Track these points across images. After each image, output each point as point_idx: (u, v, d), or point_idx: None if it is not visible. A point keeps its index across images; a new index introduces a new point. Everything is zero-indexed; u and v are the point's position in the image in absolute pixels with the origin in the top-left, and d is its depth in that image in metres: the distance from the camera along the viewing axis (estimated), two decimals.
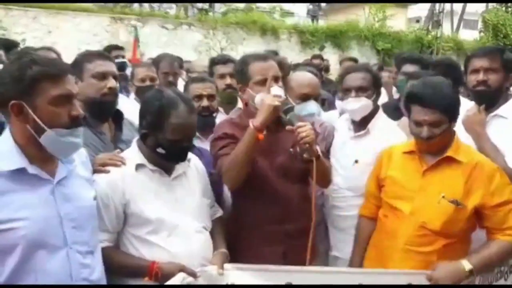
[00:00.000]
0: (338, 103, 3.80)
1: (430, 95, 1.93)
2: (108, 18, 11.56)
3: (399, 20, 16.95)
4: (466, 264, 1.89)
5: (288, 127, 2.02)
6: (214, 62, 3.21)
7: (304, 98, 2.53)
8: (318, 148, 2.07)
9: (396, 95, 3.88)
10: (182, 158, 1.93)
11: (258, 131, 1.96)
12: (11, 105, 1.43)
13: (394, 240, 2.03)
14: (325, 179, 2.22)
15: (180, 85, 3.48)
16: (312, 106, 2.53)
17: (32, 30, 10.55)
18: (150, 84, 3.33)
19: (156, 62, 3.78)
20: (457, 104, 2.01)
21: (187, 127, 1.86)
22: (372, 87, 2.51)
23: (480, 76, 2.31)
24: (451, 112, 1.98)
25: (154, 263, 1.76)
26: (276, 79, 2.14)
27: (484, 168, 1.98)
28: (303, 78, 2.67)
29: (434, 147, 2.02)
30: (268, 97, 2.02)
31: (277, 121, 2.14)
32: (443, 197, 1.96)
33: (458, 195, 1.96)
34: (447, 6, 17.58)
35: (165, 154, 1.86)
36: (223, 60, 3.17)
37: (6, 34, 9.49)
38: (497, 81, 2.30)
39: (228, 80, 2.98)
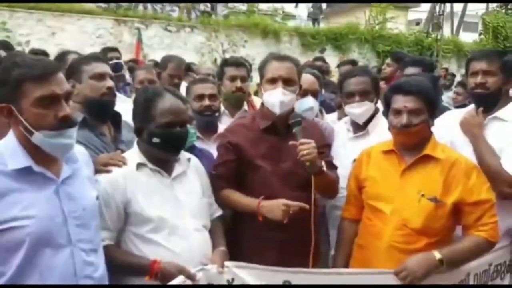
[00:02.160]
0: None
1: (412, 83, 2.00)
2: (111, 21, 11.60)
3: (399, 23, 16.95)
4: (436, 254, 1.90)
5: (291, 142, 2.02)
6: (226, 63, 3.05)
7: (302, 94, 2.54)
8: (323, 162, 2.07)
9: None
10: (178, 145, 1.93)
11: (259, 215, 2.01)
12: (0, 108, 1.44)
13: (379, 241, 2.03)
14: (330, 191, 2.24)
15: (182, 88, 3.48)
16: (309, 101, 2.56)
17: (36, 32, 10.60)
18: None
19: (164, 62, 3.78)
20: (436, 97, 2.07)
21: (175, 110, 1.87)
22: (373, 90, 2.55)
23: (478, 79, 2.33)
24: (431, 103, 2.01)
25: (155, 262, 1.77)
26: (285, 81, 2.13)
27: (461, 165, 2.01)
28: None
29: (410, 140, 2.03)
30: (283, 204, 1.97)
31: (287, 126, 2.13)
32: (423, 195, 1.97)
33: (437, 193, 1.97)
34: (447, 8, 17.57)
35: (161, 143, 1.85)
36: (237, 63, 3.03)
37: (11, 36, 9.55)
38: (495, 84, 2.32)
39: (239, 83, 2.92)
